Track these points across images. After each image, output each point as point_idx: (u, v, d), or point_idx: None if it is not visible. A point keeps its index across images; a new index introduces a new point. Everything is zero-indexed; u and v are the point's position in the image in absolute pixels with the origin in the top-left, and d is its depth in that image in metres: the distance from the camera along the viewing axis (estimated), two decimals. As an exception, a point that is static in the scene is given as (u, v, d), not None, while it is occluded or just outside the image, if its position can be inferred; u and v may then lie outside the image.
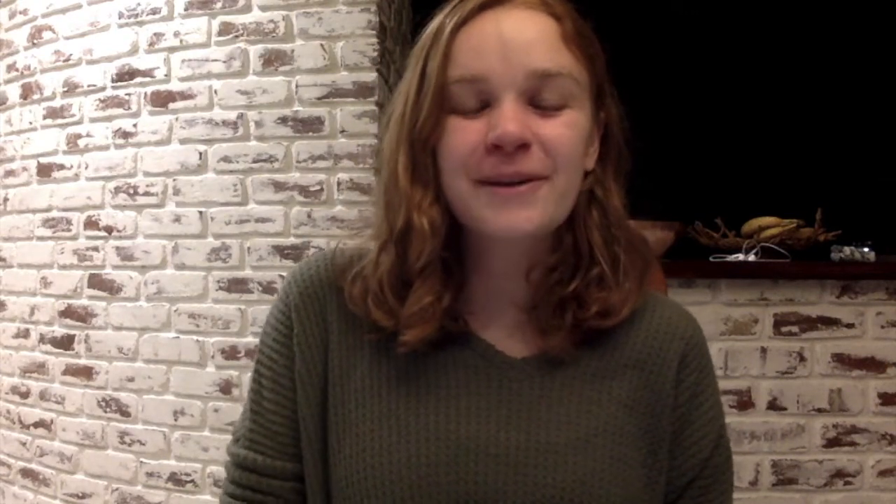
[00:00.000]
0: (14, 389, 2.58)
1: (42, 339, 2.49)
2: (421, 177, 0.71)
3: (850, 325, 1.91)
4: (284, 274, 2.15)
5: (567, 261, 0.73)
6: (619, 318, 0.73)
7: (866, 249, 1.92)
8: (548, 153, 0.68)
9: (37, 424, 2.50)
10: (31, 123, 2.54)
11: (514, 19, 0.69)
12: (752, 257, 1.98)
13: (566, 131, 0.69)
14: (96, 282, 2.37)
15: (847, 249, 1.95)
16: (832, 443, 1.91)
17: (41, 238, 2.50)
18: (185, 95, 2.25)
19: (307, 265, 0.79)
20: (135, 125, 2.31)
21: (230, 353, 2.19)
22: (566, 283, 0.73)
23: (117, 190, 2.34)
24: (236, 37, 2.20)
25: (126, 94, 2.33)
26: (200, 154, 2.23)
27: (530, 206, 0.68)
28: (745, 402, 1.92)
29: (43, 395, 2.48)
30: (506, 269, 0.74)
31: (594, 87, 0.73)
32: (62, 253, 2.44)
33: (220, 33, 2.21)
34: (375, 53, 2.09)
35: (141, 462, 2.28)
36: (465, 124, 0.69)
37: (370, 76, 2.09)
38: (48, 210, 2.48)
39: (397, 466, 0.69)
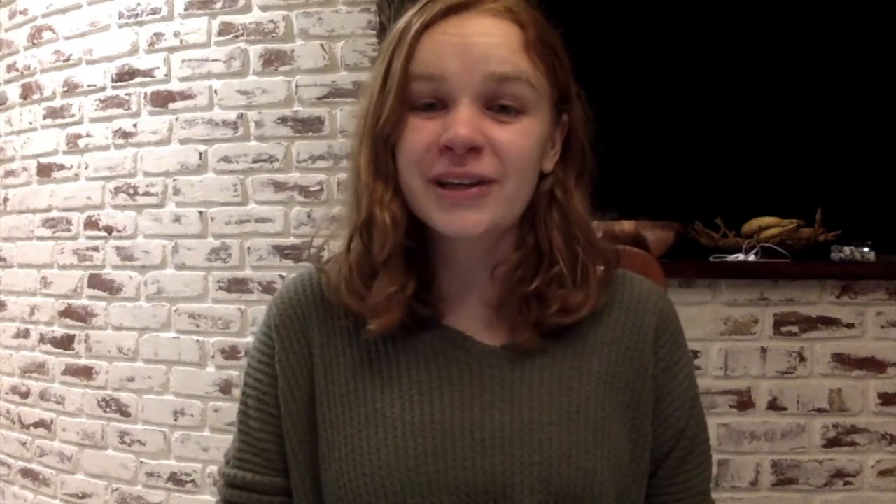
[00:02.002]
0: (14, 389, 2.58)
1: (42, 339, 2.49)
2: (382, 172, 0.73)
3: (850, 325, 1.91)
4: (284, 274, 2.16)
5: (529, 259, 0.75)
6: (579, 315, 0.75)
7: (866, 249, 1.92)
8: (499, 157, 0.70)
9: (37, 424, 2.50)
10: (31, 123, 2.54)
11: (478, 25, 0.71)
12: (752, 257, 1.98)
13: (518, 138, 0.71)
14: (96, 282, 2.38)
15: (847, 249, 1.94)
16: (832, 443, 1.90)
17: (41, 238, 2.50)
18: (185, 95, 2.25)
19: (286, 288, 0.82)
20: (135, 125, 2.31)
21: (230, 353, 2.19)
22: (528, 282, 0.74)
23: (117, 190, 2.34)
24: (236, 37, 2.20)
25: (126, 94, 2.33)
26: (200, 154, 2.23)
27: (478, 210, 0.70)
28: (745, 402, 1.92)
29: (43, 395, 2.48)
30: (470, 264, 0.76)
31: (555, 95, 0.75)
32: (62, 253, 2.44)
33: (220, 33, 2.21)
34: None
35: (141, 462, 2.28)
36: (422, 124, 0.71)
37: (370, 76, 2.09)
38: (48, 210, 2.48)
39: (386, 461, 0.70)
